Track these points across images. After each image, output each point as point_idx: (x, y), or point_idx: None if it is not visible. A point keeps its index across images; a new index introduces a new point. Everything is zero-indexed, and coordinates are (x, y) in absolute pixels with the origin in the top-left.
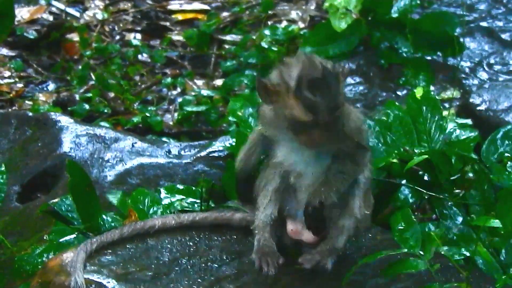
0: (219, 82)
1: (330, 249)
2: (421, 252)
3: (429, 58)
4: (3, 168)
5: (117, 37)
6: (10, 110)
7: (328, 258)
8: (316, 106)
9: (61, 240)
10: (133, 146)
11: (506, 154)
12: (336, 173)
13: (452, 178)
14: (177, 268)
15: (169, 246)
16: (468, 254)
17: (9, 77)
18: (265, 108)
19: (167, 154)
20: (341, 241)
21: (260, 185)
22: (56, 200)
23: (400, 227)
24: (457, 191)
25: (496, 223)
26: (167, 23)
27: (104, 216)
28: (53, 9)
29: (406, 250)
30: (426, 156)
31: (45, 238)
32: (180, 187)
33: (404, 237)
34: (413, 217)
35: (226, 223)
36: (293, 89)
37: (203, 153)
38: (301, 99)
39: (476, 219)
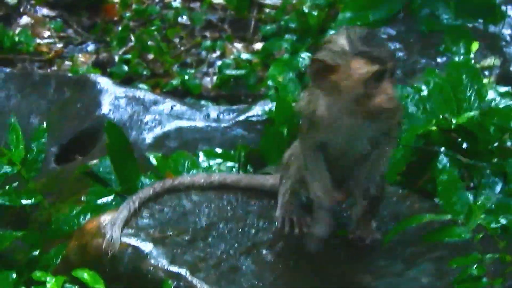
0: (258, 46)
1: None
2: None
3: (470, 25)
4: (44, 126)
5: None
6: (49, 70)
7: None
8: (377, 54)
9: (98, 201)
10: (171, 109)
11: None
12: (373, 148)
13: (490, 147)
14: (214, 233)
15: (206, 210)
16: (505, 223)
17: (48, 37)
18: (315, 107)
19: (206, 117)
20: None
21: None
22: (94, 161)
23: (445, 189)
24: (495, 160)
25: None
26: None
27: (142, 178)
28: None
29: (449, 216)
30: (469, 115)
31: (82, 199)
32: (219, 151)
33: (450, 202)
34: (460, 185)
35: (260, 187)
36: (351, 49)
37: (241, 117)
38: (362, 52)
39: None
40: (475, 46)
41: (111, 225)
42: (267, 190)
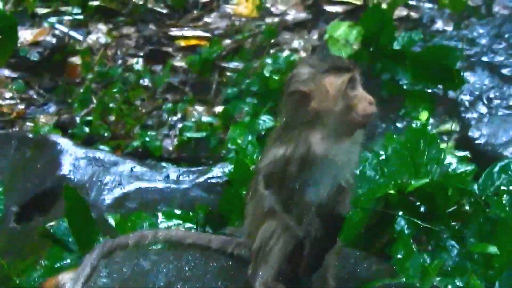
0: (219, 108)
1: (332, 286)
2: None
3: (429, 90)
4: (1, 189)
5: (120, 62)
6: (10, 131)
7: None
8: (342, 64)
9: (57, 265)
10: (132, 170)
11: (503, 188)
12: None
13: (448, 210)
14: None
15: (164, 270)
16: (462, 285)
17: (10, 98)
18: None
19: (166, 179)
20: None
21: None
22: (53, 223)
23: (400, 256)
24: (453, 223)
25: (493, 249)
26: (170, 49)
27: (101, 240)
28: (56, 31)
29: (404, 279)
30: (425, 181)
31: (41, 263)
32: (178, 212)
33: (404, 266)
34: (413, 247)
35: (206, 245)
36: (317, 70)
37: (201, 179)
38: (329, 68)
39: (474, 246)
40: (424, 115)
41: (74, 282)
42: (213, 249)
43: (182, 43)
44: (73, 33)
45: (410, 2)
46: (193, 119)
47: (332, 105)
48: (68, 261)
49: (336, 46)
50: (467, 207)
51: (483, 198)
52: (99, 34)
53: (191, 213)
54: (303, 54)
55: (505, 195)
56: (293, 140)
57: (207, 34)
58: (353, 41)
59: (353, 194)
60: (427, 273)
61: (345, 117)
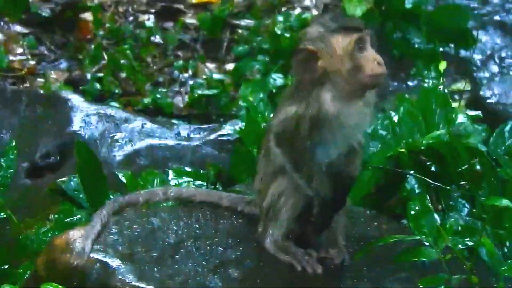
0: (230, 66)
1: (342, 244)
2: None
3: (441, 50)
4: (13, 144)
5: (131, 18)
6: (21, 87)
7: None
8: (352, 24)
9: (67, 220)
10: (142, 127)
11: None
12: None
13: (459, 169)
14: (182, 250)
15: (175, 227)
16: (472, 245)
17: (21, 54)
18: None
19: (176, 136)
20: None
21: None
22: (64, 179)
23: (413, 213)
24: (463, 183)
25: (506, 202)
26: (181, 6)
27: (111, 197)
28: None
29: (418, 237)
30: (437, 134)
31: (51, 218)
32: (188, 169)
33: (418, 224)
34: (430, 206)
35: (216, 203)
36: (326, 29)
37: (212, 136)
38: (338, 28)
39: (486, 199)
40: (443, 65)
41: (84, 238)
42: (223, 207)
43: (194, 0)
44: None
45: None
46: (204, 77)
47: (340, 65)
48: (79, 217)
49: (351, 2)
50: (478, 167)
51: (494, 157)
52: None
53: (201, 171)
54: (314, 12)
55: None
56: (305, 99)
57: None
58: None
59: (364, 156)
60: (440, 233)
61: (353, 78)
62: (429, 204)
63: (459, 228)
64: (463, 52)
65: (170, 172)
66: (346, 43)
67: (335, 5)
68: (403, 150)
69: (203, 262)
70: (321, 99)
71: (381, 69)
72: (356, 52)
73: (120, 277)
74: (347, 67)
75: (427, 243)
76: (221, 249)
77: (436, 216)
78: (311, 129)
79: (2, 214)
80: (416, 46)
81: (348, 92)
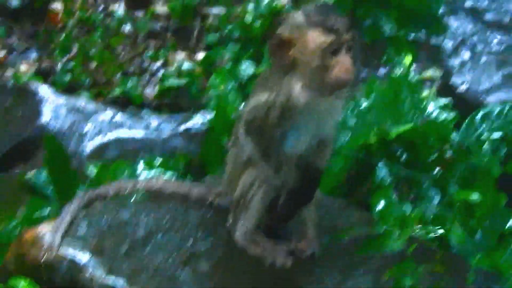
0: (201, 55)
1: (312, 236)
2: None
3: (412, 36)
4: None
5: (101, 8)
6: None
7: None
8: (333, 24)
9: (36, 214)
10: (112, 118)
11: (485, 135)
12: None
13: (430, 158)
14: (152, 243)
15: (145, 220)
16: (442, 234)
17: None
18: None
19: (146, 127)
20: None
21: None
22: (32, 172)
23: (380, 207)
24: (434, 171)
25: (475, 196)
26: None
27: (81, 190)
28: None
29: (384, 228)
30: (407, 126)
31: (19, 212)
32: (159, 160)
33: (383, 215)
34: (394, 197)
35: (186, 195)
36: (306, 20)
37: (182, 127)
38: (318, 23)
39: (456, 193)
40: (408, 58)
41: (53, 232)
42: (193, 198)
43: None
44: None
45: None
46: (174, 66)
47: (309, 59)
48: (48, 211)
49: None
50: (449, 155)
51: (465, 145)
52: None
53: (171, 162)
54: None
55: (486, 143)
56: (276, 87)
57: None
58: None
59: (333, 148)
60: (407, 222)
61: (319, 76)
62: (393, 197)
63: (430, 217)
64: (434, 39)
65: (140, 163)
66: (320, 41)
67: None
68: (373, 139)
69: (173, 255)
70: (291, 88)
71: (347, 76)
72: (328, 53)
73: (90, 270)
74: (316, 63)
75: (393, 233)
76: (191, 241)
77: (404, 206)
78: (281, 118)
79: None
80: (387, 32)
81: (316, 86)
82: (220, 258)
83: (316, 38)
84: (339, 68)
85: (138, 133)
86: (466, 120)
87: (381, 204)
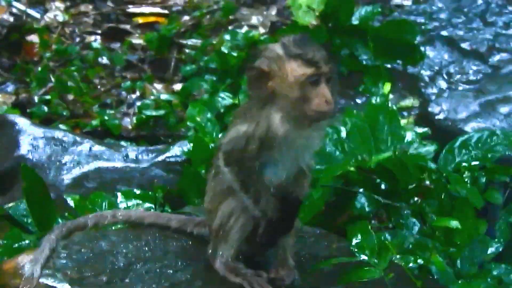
0: (178, 86)
1: (292, 265)
2: (376, 261)
3: (389, 66)
4: None
5: (77, 40)
6: None
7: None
8: (312, 56)
9: (15, 245)
10: (90, 149)
11: (464, 164)
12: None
13: (409, 187)
14: (132, 273)
15: (124, 250)
16: (422, 262)
17: None
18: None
19: (125, 158)
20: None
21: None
22: (11, 204)
23: (356, 240)
24: (414, 200)
25: (455, 223)
26: (128, 26)
27: (59, 221)
28: (14, 10)
29: (362, 258)
30: (386, 155)
31: None
32: (137, 191)
33: (360, 246)
34: (369, 227)
35: (165, 226)
36: (285, 53)
37: (160, 158)
38: (297, 55)
39: (436, 220)
40: (387, 87)
41: (33, 263)
42: (173, 228)
43: (140, 20)
44: (30, 11)
45: None
46: (152, 97)
47: (289, 91)
48: (27, 242)
49: (298, 11)
50: (428, 183)
51: (444, 174)
52: (56, 12)
53: (150, 193)
54: (262, 30)
55: (466, 172)
56: (255, 118)
57: (165, 11)
58: (316, 8)
59: (312, 179)
60: (385, 250)
61: (299, 107)
62: (369, 227)
63: (410, 246)
64: (411, 69)
65: (119, 194)
66: (300, 73)
67: (282, 23)
68: (352, 168)
69: (153, 285)
70: (271, 119)
71: (327, 107)
72: (308, 85)
73: None
74: (295, 95)
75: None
76: (171, 271)
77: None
78: (260, 149)
79: None
80: (364, 62)
81: (295, 117)
82: (200, 287)
83: (295, 70)
84: (319, 100)
85: (116, 164)
86: (445, 149)
87: (358, 237)
